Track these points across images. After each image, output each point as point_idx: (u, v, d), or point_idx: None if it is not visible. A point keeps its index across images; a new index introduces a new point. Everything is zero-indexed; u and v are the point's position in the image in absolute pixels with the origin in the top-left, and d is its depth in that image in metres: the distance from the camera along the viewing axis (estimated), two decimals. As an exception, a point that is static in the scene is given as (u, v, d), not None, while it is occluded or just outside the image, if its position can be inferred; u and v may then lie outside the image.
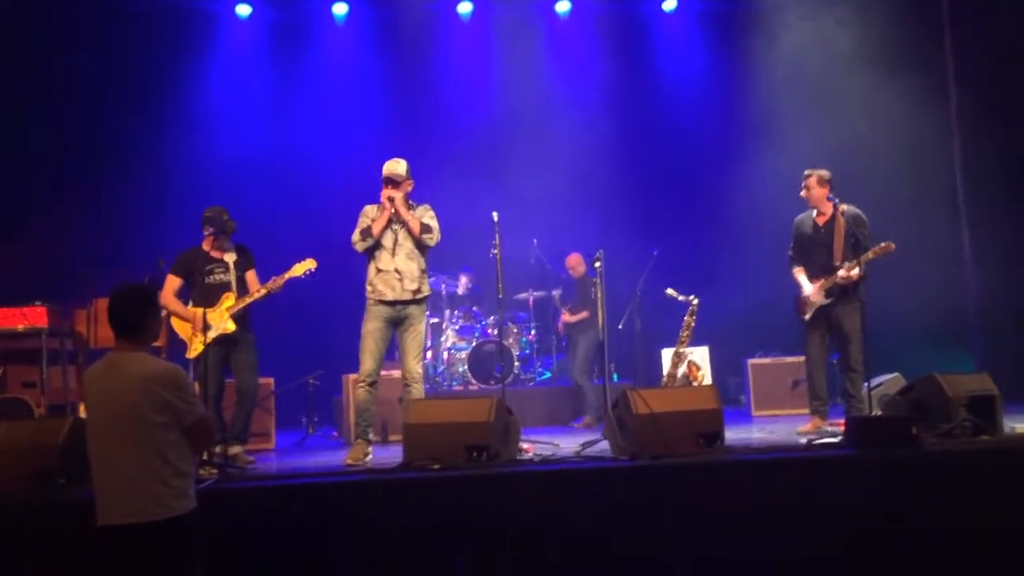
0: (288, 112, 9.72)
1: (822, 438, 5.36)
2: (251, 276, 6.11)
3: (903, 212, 8.10)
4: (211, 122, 9.42)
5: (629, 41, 10.24)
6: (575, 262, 8.57)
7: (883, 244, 6.04)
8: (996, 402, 5.19)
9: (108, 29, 8.96)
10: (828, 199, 6.38)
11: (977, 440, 4.96)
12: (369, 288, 5.81)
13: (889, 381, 6.56)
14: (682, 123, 9.93)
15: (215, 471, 5.03)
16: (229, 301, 5.92)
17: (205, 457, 5.24)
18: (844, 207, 6.33)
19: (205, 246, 6.00)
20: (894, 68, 8.59)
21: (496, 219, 6.16)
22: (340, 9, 9.98)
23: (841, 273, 6.19)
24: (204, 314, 5.69)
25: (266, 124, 9.60)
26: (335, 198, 8.32)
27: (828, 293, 6.34)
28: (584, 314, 8.30)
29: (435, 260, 8.79)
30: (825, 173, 6.51)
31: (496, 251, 6.17)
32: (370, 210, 5.92)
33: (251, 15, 9.82)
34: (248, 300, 5.93)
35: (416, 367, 5.78)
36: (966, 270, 8.60)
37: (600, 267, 6.39)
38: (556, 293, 9.18)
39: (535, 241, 9.18)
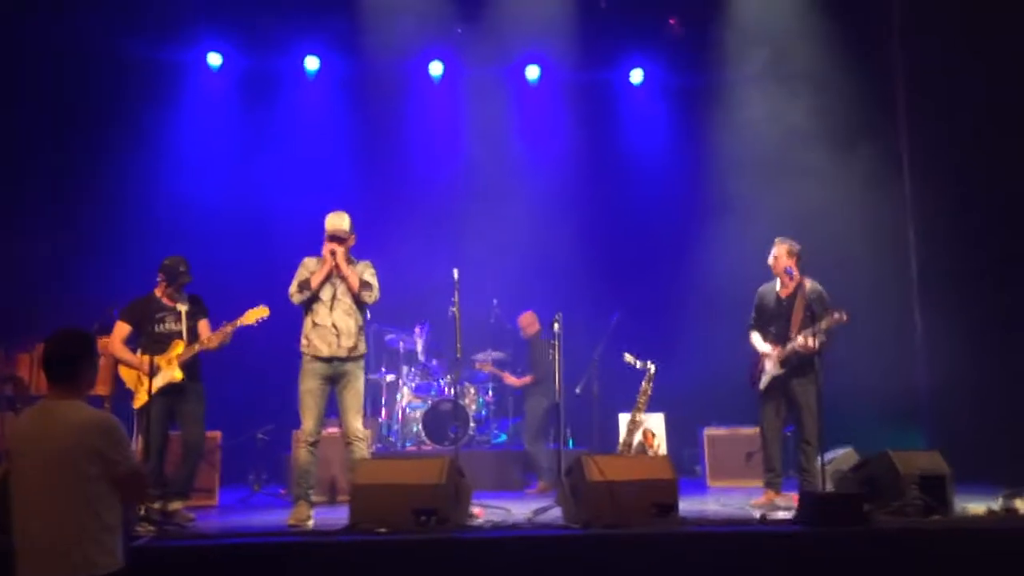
0: (253, 163, 9.67)
1: (775, 512, 5.32)
2: (203, 325, 5.99)
3: (859, 288, 8.18)
4: (176, 169, 9.33)
5: (596, 110, 10.43)
6: (528, 321, 8.51)
7: (835, 315, 6.07)
8: (947, 481, 5.21)
9: (77, 72, 8.90)
10: (787, 272, 6.45)
11: (928, 519, 4.96)
12: (304, 342, 5.71)
13: (842, 456, 6.57)
14: (644, 192, 10.07)
15: (152, 528, 4.85)
16: (178, 349, 5.79)
17: (143, 513, 5.07)
18: (808, 282, 6.41)
19: (157, 292, 5.88)
20: (851, 146, 8.80)
21: (456, 276, 6.14)
22: (312, 63, 10.04)
23: (799, 340, 6.21)
24: (152, 361, 5.54)
25: (231, 174, 9.53)
26: (295, 250, 8.16)
27: (784, 364, 6.37)
28: (528, 379, 8.24)
29: (393, 316, 8.79)
30: (795, 245, 6.60)
31: (455, 309, 6.13)
32: (310, 262, 5.85)
33: (222, 65, 9.84)
34: (197, 348, 5.80)
35: (357, 425, 5.66)
36: (918, 348, 8.71)
37: (559, 329, 6.37)
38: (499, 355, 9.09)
39: (495, 301, 9.16)
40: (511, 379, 8.49)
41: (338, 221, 5.79)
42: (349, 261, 5.80)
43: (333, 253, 5.69)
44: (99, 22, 8.74)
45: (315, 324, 5.69)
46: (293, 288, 5.76)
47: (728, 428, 8.33)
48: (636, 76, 10.50)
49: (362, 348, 5.79)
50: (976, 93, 8.02)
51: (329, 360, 5.63)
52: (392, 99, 10.06)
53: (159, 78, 9.49)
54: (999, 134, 7.86)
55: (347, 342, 5.66)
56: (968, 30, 8.01)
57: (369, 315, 8.67)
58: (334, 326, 5.65)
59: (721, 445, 8.25)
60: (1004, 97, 7.81)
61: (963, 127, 8.15)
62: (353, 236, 5.87)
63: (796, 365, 6.32)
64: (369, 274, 5.84)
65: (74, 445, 3.10)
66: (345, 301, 5.72)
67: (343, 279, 5.72)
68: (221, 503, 7.01)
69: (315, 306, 5.72)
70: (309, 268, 5.81)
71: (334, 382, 5.68)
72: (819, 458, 5.83)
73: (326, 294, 5.72)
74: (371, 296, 5.78)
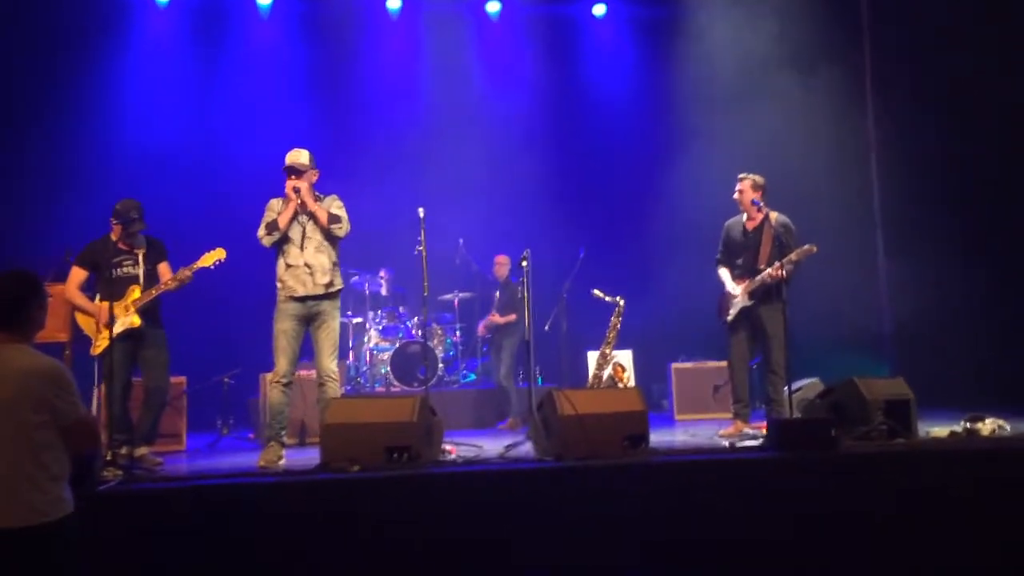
0: (206, 103, 9.42)
1: (743, 440, 5.39)
2: (163, 268, 5.82)
3: (822, 218, 8.26)
4: (125, 110, 9.09)
5: (558, 44, 10.29)
6: (502, 262, 8.49)
7: (806, 247, 6.11)
8: (911, 406, 5.30)
9: (25, 6, 8.52)
10: (754, 203, 6.43)
11: (893, 443, 5.06)
12: (279, 284, 5.58)
13: (808, 385, 6.67)
14: (609, 126, 10.00)
15: (120, 472, 4.76)
16: (135, 294, 5.63)
17: (109, 458, 4.98)
18: (775, 214, 6.41)
19: (113, 236, 5.70)
20: (814, 70, 8.78)
21: (422, 216, 6.04)
22: (264, -1, 9.72)
23: (768, 271, 6.24)
24: (111, 308, 5.38)
25: (183, 114, 9.29)
26: (253, 191, 7.92)
27: (751, 295, 6.40)
28: (512, 316, 8.23)
29: (358, 258, 8.67)
30: (759, 178, 6.56)
31: (422, 248, 6.04)
32: (275, 203, 5.70)
33: (169, 2, 9.47)
34: (154, 292, 5.64)
35: (331, 364, 5.58)
36: (881, 278, 8.83)
37: (527, 267, 6.32)
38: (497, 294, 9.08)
39: (461, 241, 9.09)
40: (498, 318, 8.42)
41: (296, 156, 5.64)
42: (315, 197, 5.65)
43: (296, 190, 5.54)
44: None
45: (288, 265, 5.55)
46: (261, 231, 5.61)
47: (695, 362, 8.40)
48: (599, 9, 10.33)
49: (338, 284, 5.68)
50: (939, 15, 7.96)
51: (304, 299, 5.52)
52: (349, 35, 9.83)
53: (105, 15, 9.15)
54: (961, 58, 7.83)
55: (322, 279, 5.55)
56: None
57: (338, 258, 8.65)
58: (307, 265, 5.53)
59: (688, 379, 8.34)
60: (965, 21, 7.77)
61: (926, 50, 8.14)
62: (316, 171, 5.71)
63: (763, 295, 6.35)
64: (337, 207, 5.71)
65: (18, 392, 2.99)
66: (315, 238, 5.59)
67: (311, 215, 5.58)
68: (189, 448, 6.94)
69: (286, 247, 5.58)
70: (275, 209, 5.66)
71: (309, 322, 5.58)
72: (786, 387, 5.91)
73: (295, 233, 5.58)
74: (341, 229, 5.65)
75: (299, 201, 5.56)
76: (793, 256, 6.05)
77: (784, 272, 5.94)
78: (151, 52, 9.37)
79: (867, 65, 9.02)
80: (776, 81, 8.85)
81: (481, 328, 8.76)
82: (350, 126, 9.66)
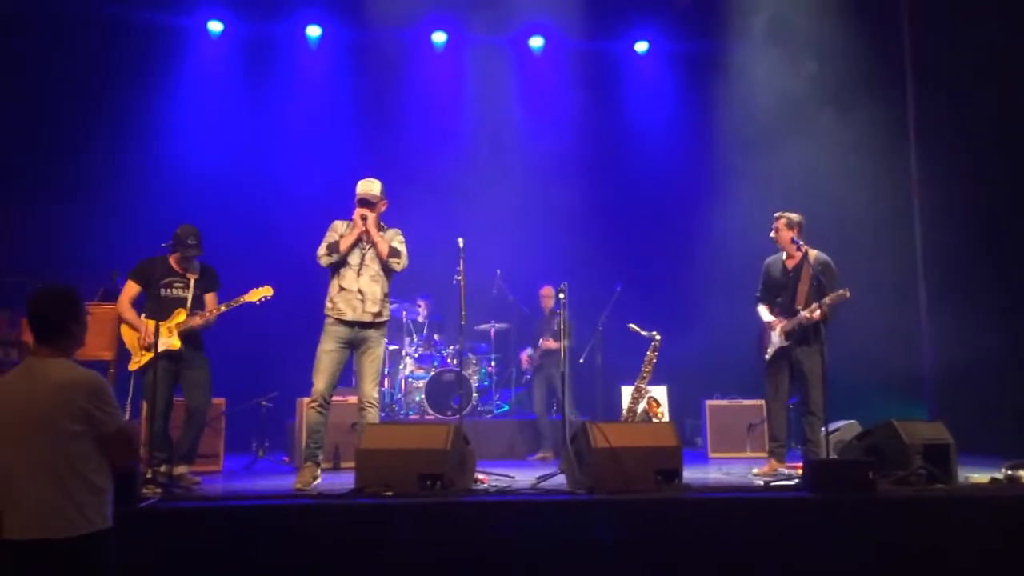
0: (256, 131, 9.64)
1: (779, 480, 5.34)
2: (210, 299, 5.97)
3: (863, 259, 8.23)
4: (178, 137, 9.34)
5: (600, 79, 10.38)
6: (547, 294, 8.50)
7: (840, 291, 6.07)
8: (951, 451, 5.22)
9: (81, 36, 8.85)
10: (793, 242, 6.42)
11: (932, 488, 4.98)
12: (329, 305, 5.67)
13: (846, 427, 6.59)
14: (650, 162, 10.04)
15: (159, 490, 4.86)
16: (179, 317, 5.76)
17: (149, 475, 5.09)
18: (814, 253, 6.39)
19: (171, 258, 5.87)
20: (855, 109, 8.72)
21: (462, 245, 6.12)
22: (314, 31, 9.97)
23: (803, 313, 6.22)
24: (156, 326, 5.52)
25: (234, 141, 9.51)
26: (299, 218, 8.22)
27: (788, 335, 6.36)
28: (552, 344, 8.20)
29: (396, 286, 8.71)
30: (795, 217, 6.55)
31: (460, 278, 6.11)
32: (339, 225, 5.81)
33: (223, 32, 9.76)
34: (199, 321, 5.77)
35: (373, 391, 5.65)
36: (922, 321, 8.70)
37: (564, 299, 6.35)
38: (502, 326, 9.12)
39: (498, 272, 9.15)
40: (551, 343, 8.31)
41: (369, 186, 5.76)
42: (379, 227, 5.76)
43: (364, 218, 5.65)
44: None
45: (341, 288, 5.65)
46: (322, 250, 5.71)
47: (730, 400, 8.34)
48: (641, 46, 10.44)
49: (386, 315, 5.76)
50: (984, 58, 7.90)
51: (352, 324, 5.60)
52: (395, 68, 10.02)
53: (159, 45, 9.46)
54: (1007, 104, 7.77)
55: (372, 308, 5.63)
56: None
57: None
58: (360, 291, 5.62)
59: (723, 417, 8.26)
60: (1013, 64, 7.71)
61: (970, 94, 8.05)
62: (385, 202, 5.83)
63: (801, 336, 6.31)
64: (398, 241, 5.81)
65: (58, 403, 3.03)
66: (373, 267, 5.69)
67: (373, 245, 5.68)
68: (226, 468, 7.03)
69: (343, 270, 5.68)
70: (338, 231, 5.77)
71: (354, 347, 5.66)
72: (823, 428, 5.85)
73: (354, 259, 5.68)
74: (399, 264, 5.74)
75: (364, 229, 5.66)
76: (827, 299, 6.01)
77: (821, 314, 5.90)
78: (203, 80, 9.64)
79: (909, 104, 8.95)
80: (816, 119, 8.84)
81: (525, 357, 8.72)
82: (393, 155, 9.81)
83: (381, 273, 5.72)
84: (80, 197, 8.69)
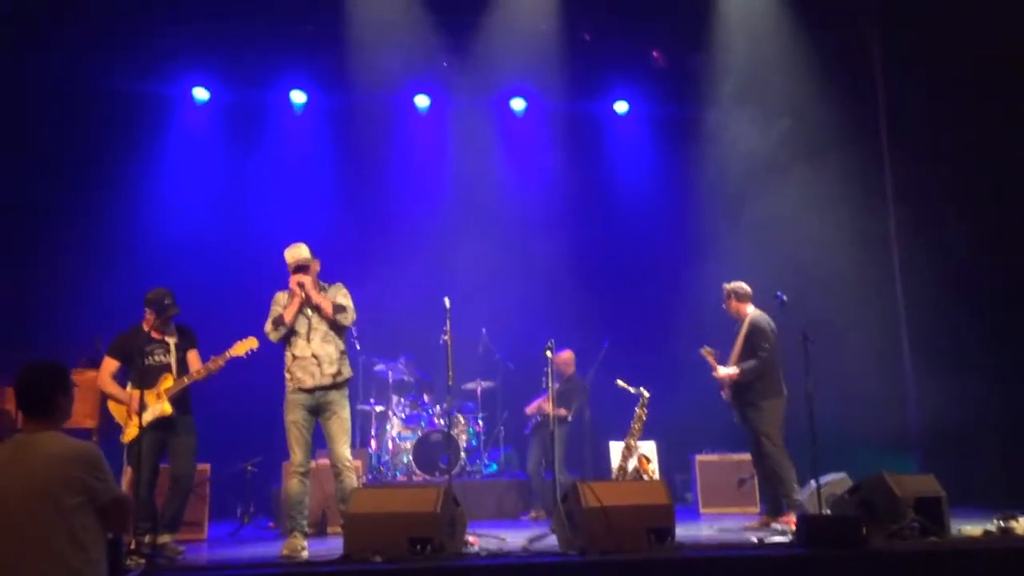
0: (240, 196, 9.69)
1: (772, 536, 5.30)
2: (192, 356, 5.93)
3: (846, 314, 8.30)
4: (162, 203, 9.34)
5: (581, 141, 10.53)
6: (568, 360, 8.41)
7: (704, 349, 6.67)
8: (943, 503, 5.22)
9: (63, 104, 8.90)
10: (736, 311, 6.78)
11: (926, 541, 4.96)
12: (288, 376, 5.68)
13: (836, 481, 6.57)
14: (631, 220, 10.15)
15: (143, 561, 4.76)
16: (167, 383, 5.72)
17: (132, 546, 4.99)
18: (754, 314, 6.68)
19: (145, 326, 5.83)
20: (830, 162, 8.87)
21: (448, 305, 6.13)
22: (299, 97, 10.09)
23: (717, 373, 6.73)
24: (141, 396, 5.47)
25: (218, 207, 9.54)
26: (283, 283, 8.21)
27: (732, 399, 6.79)
28: (564, 411, 8.11)
29: (381, 347, 8.76)
30: (740, 287, 6.91)
31: (447, 337, 6.11)
32: (281, 297, 5.83)
33: (208, 100, 9.86)
34: (187, 381, 5.74)
35: (345, 452, 5.61)
36: (906, 372, 8.74)
37: (551, 356, 6.36)
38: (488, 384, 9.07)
39: (484, 330, 9.14)
40: (549, 406, 8.23)
41: (297, 252, 5.80)
42: (319, 288, 5.77)
43: (301, 285, 5.67)
44: (83, 57, 8.78)
45: (295, 357, 5.65)
46: (268, 327, 5.74)
47: (719, 454, 8.30)
48: (621, 107, 10.64)
49: (346, 372, 5.75)
50: (959, 110, 8.05)
51: (312, 391, 5.59)
52: (379, 131, 10.11)
53: (144, 112, 9.52)
54: (982, 157, 7.92)
55: (329, 369, 5.63)
56: (949, 47, 8.06)
57: (358, 345, 8.71)
58: (314, 356, 5.62)
59: (713, 472, 8.22)
60: (988, 115, 7.86)
61: (946, 148, 8.20)
62: (317, 261, 5.86)
63: (737, 397, 6.70)
64: (342, 296, 5.82)
65: (54, 476, 3.02)
66: (321, 328, 5.69)
67: (316, 308, 5.69)
68: (210, 536, 6.90)
69: (293, 339, 5.70)
70: (280, 303, 5.79)
71: (319, 412, 5.63)
72: (813, 481, 5.84)
73: (301, 326, 5.69)
74: (347, 318, 5.75)
75: (303, 295, 5.67)
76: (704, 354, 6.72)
77: (736, 375, 6.51)
78: (187, 147, 9.69)
79: (885, 159, 9.11)
80: (793, 171, 8.99)
81: (533, 407, 8.53)
82: (378, 217, 9.90)
83: (331, 332, 5.72)
84: (62, 264, 8.66)
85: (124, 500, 3.23)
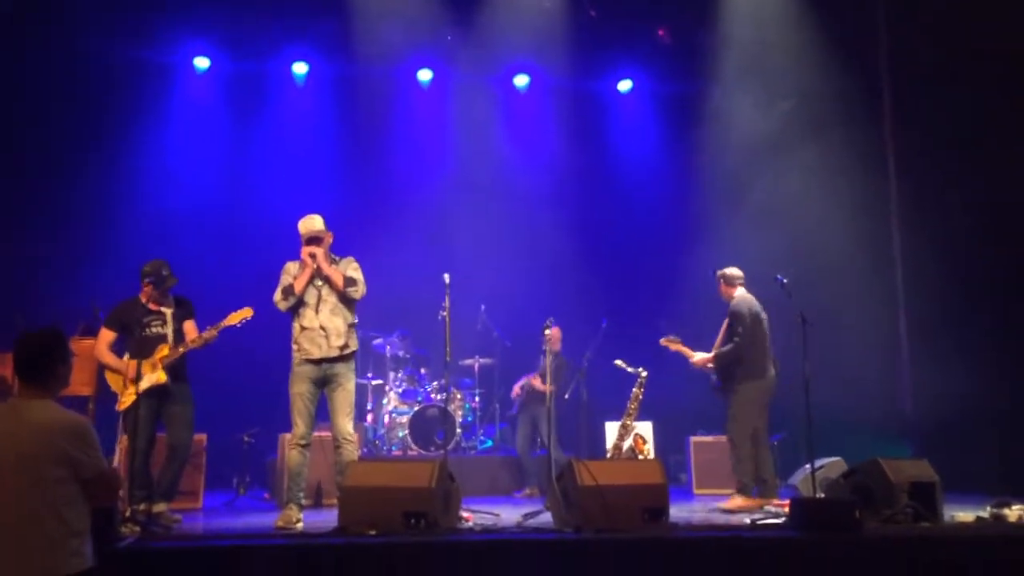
0: (241, 166, 9.64)
1: (766, 518, 5.32)
2: (189, 326, 5.92)
3: (844, 298, 8.29)
4: (163, 172, 9.30)
5: (585, 117, 10.47)
6: (559, 336, 8.40)
7: (665, 339, 6.91)
8: (936, 489, 5.24)
9: (62, 70, 8.82)
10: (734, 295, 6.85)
11: (919, 526, 4.98)
12: (295, 347, 5.65)
13: (831, 464, 6.59)
14: (633, 198, 10.12)
15: (137, 528, 4.77)
16: (163, 352, 5.71)
17: (127, 514, 5.00)
18: (737, 297, 6.77)
19: (143, 298, 5.80)
20: (834, 141, 8.84)
21: (448, 281, 6.11)
22: (300, 68, 10.01)
23: (694, 357, 6.92)
24: (139, 366, 5.46)
25: (219, 177, 9.50)
26: (284, 253, 8.16)
27: (716, 378, 6.89)
28: (551, 387, 8.12)
29: (380, 321, 8.74)
30: (727, 272, 6.97)
31: (445, 313, 6.09)
32: (291, 267, 5.79)
33: (209, 68, 9.78)
34: (182, 350, 5.74)
35: (348, 426, 5.60)
36: (903, 357, 8.74)
37: (550, 334, 6.35)
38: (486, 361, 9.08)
39: (482, 307, 9.13)
40: (537, 382, 8.25)
41: (311, 223, 5.76)
42: (330, 260, 5.75)
43: (313, 256, 5.65)
44: (84, 25, 8.70)
45: (303, 328, 5.63)
46: (278, 296, 5.70)
47: (714, 436, 8.31)
48: (624, 85, 10.56)
49: (353, 345, 5.73)
50: (964, 97, 7.97)
51: (319, 362, 5.57)
52: (381, 104, 10.05)
53: (145, 81, 9.44)
54: (986, 144, 7.86)
55: (337, 341, 5.61)
56: (955, 34, 7.98)
57: (355, 319, 8.70)
58: (322, 327, 5.60)
59: (707, 453, 8.23)
60: (992, 103, 7.80)
61: (949, 134, 8.12)
62: (330, 234, 5.82)
63: (720, 379, 6.80)
64: (352, 269, 5.80)
65: (40, 446, 3.02)
66: (331, 300, 5.67)
67: (326, 279, 5.67)
68: (206, 506, 6.93)
69: (301, 310, 5.67)
70: (291, 273, 5.76)
71: (324, 383, 5.62)
72: (808, 465, 5.86)
73: (311, 297, 5.66)
74: (357, 292, 5.72)
75: (315, 266, 5.65)
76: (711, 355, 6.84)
77: (710, 359, 6.70)
78: (188, 116, 9.63)
79: (889, 147, 9.07)
80: (796, 152, 8.96)
81: (517, 389, 8.61)
82: (379, 191, 9.85)
83: (340, 305, 5.70)
84: (61, 231, 8.63)
85: (109, 475, 3.22)
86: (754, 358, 6.62)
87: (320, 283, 5.69)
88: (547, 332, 6.34)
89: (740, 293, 6.86)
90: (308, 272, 5.66)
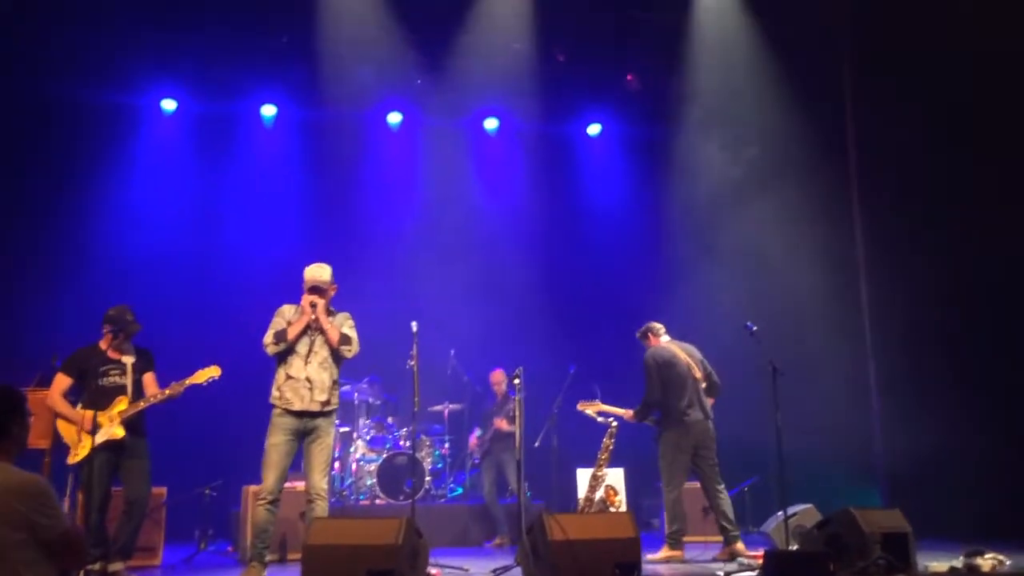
0: (207, 211, 9.55)
1: (741, 571, 5.24)
2: (148, 379, 5.75)
3: (812, 345, 8.33)
4: (127, 215, 9.20)
5: (554, 162, 10.53)
6: (499, 380, 8.39)
7: (580, 404, 6.98)
8: (909, 539, 5.19)
9: (25, 113, 8.71)
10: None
11: (892, 578, 4.93)
12: (276, 394, 5.46)
13: (803, 512, 6.52)
14: (603, 242, 10.14)
15: (91, 592, 4.58)
16: (121, 405, 5.54)
17: (82, 575, 4.80)
18: (650, 350, 6.88)
19: (103, 345, 5.65)
20: (799, 186, 8.90)
21: (415, 330, 6.01)
22: (269, 111, 9.96)
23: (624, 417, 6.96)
24: (94, 417, 5.28)
25: (186, 220, 9.42)
26: (248, 300, 8.04)
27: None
28: (507, 424, 8.05)
29: (348, 367, 8.55)
30: (646, 328, 7.08)
31: (413, 362, 5.98)
32: (287, 311, 5.62)
33: (176, 110, 9.70)
34: (143, 405, 5.57)
35: (322, 482, 5.43)
36: (872, 403, 8.75)
37: (520, 384, 6.26)
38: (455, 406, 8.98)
39: (452, 352, 9.04)
40: (504, 424, 8.17)
41: (319, 272, 5.58)
42: (328, 313, 5.62)
43: (314, 305, 5.49)
44: (49, 66, 8.61)
45: (288, 376, 5.45)
46: (268, 338, 5.50)
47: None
48: (593, 129, 10.63)
49: (335, 403, 5.56)
50: (930, 146, 8.09)
51: (300, 415, 5.40)
52: (350, 147, 10.04)
53: (111, 122, 9.35)
54: (953, 194, 7.95)
55: (320, 396, 5.43)
56: (922, 84, 8.10)
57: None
58: (308, 379, 5.43)
59: (679, 499, 8.13)
60: (960, 155, 7.90)
61: (916, 184, 8.24)
62: (335, 286, 5.67)
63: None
64: (348, 327, 5.63)
65: None
66: (322, 353, 5.50)
67: (323, 332, 5.51)
68: (165, 562, 6.67)
69: (290, 358, 5.48)
70: (286, 317, 5.58)
71: (302, 436, 5.45)
72: (780, 513, 5.80)
73: (302, 347, 5.49)
74: (350, 351, 5.56)
75: (314, 316, 5.50)
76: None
77: (634, 417, 6.78)
78: (154, 158, 9.54)
79: (852, 183, 9.16)
80: (763, 199, 9.02)
81: (474, 440, 8.53)
82: (348, 233, 9.77)
83: (330, 360, 5.54)
84: (18, 277, 8.44)
85: (72, 537, 3.07)
86: (669, 406, 6.65)
87: (315, 334, 5.53)
88: (516, 382, 6.22)
89: (659, 343, 6.90)
90: (305, 321, 5.50)
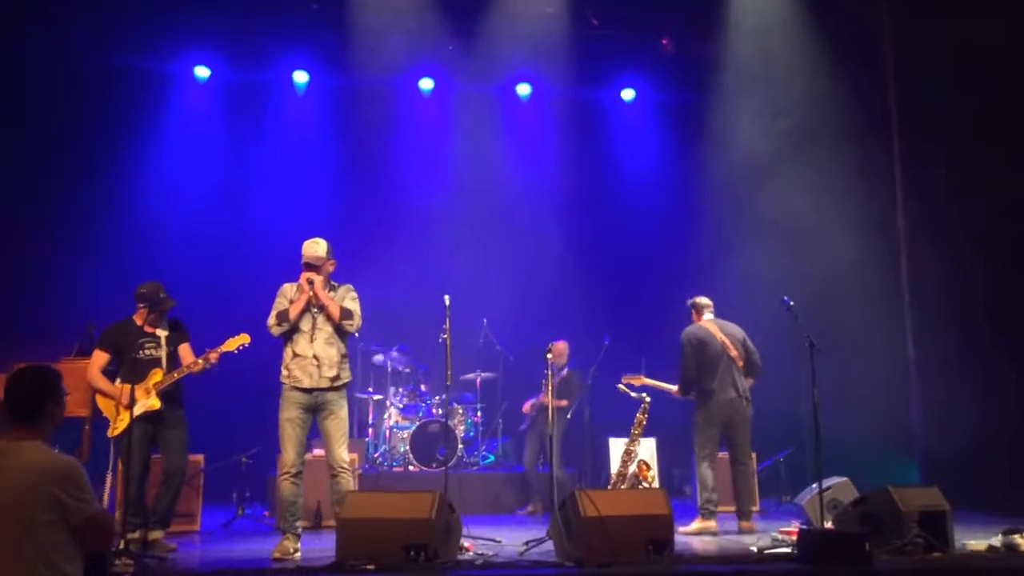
0: (240, 178, 9.56)
1: (775, 547, 5.22)
2: (184, 350, 5.81)
3: (851, 316, 8.19)
4: (160, 183, 9.23)
5: (588, 126, 10.38)
6: (563, 350, 8.30)
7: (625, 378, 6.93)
8: (947, 517, 5.12)
9: (61, 80, 8.76)
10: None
11: (930, 557, 4.86)
12: (284, 372, 5.48)
13: (838, 485, 6.46)
14: (638, 209, 10.01)
15: (131, 563, 4.67)
16: (157, 377, 5.60)
17: (121, 546, 4.90)
18: (688, 328, 6.88)
19: (137, 320, 5.71)
20: (840, 152, 8.69)
21: (448, 303, 5.99)
22: (301, 77, 9.92)
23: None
24: (132, 390, 5.35)
25: (217, 189, 9.43)
26: (282, 268, 8.03)
27: None
28: (564, 402, 8.01)
29: (381, 336, 8.64)
30: (692, 302, 7.02)
31: (446, 336, 5.98)
32: (288, 289, 5.62)
33: (209, 78, 9.69)
34: (176, 376, 5.63)
35: (343, 454, 5.45)
36: (911, 375, 8.60)
37: (551, 359, 6.24)
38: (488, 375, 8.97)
39: (485, 321, 9.02)
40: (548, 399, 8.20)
41: (313, 248, 5.56)
42: (329, 287, 5.59)
43: (310, 282, 5.49)
44: (86, 35, 8.63)
45: (295, 355, 5.46)
46: (272, 320, 5.53)
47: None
48: (627, 94, 10.46)
49: (345, 377, 5.57)
50: (973, 109, 7.84)
51: (310, 391, 5.43)
52: (382, 114, 9.97)
53: (144, 90, 9.37)
54: (997, 156, 7.71)
55: (328, 372, 5.45)
56: (963, 45, 7.81)
57: (357, 333, 8.62)
58: (315, 356, 5.44)
59: (712, 469, 8.11)
60: (1002, 115, 7.65)
61: (958, 144, 7.96)
62: (332, 261, 5.63)
63: None
64: (350, 299, 5.63)
65: (28, 490, 2.92)
66: (326, 330, 5.50)
67: (323, 309, 5.51)
68: (203, 527, 6.81)
69: (295, 336, 5.49)
70: (287, 296, 5.59)
71: (315, 411, 5.48)
72: (815, 485, 5.76)
73: (306, 324, 5.50)
74: (352, 325, 5.56)
75: (312, 293, 5.50)
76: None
77: (678, 392, 6.89)
78: (188, 125, 9.57)
79: (895, 151, 8.92)
80: (800, 166, 8.81)
81: (528, 406, 8.48)
82: (380, 201, 9.76)
83: (335, 335, 5.53)
84: (55, 246, 8.54)
85: (101, 520, 3.11)
86: (701, 383, 6.69)
87: (316, 311, 5.53)
88: (548, 357, 6.18)
89: (700, 322, 6.89)
90: (304, 299, 5.50)
